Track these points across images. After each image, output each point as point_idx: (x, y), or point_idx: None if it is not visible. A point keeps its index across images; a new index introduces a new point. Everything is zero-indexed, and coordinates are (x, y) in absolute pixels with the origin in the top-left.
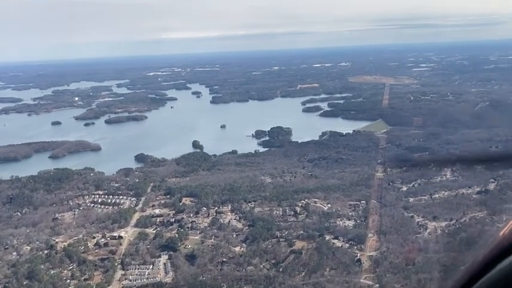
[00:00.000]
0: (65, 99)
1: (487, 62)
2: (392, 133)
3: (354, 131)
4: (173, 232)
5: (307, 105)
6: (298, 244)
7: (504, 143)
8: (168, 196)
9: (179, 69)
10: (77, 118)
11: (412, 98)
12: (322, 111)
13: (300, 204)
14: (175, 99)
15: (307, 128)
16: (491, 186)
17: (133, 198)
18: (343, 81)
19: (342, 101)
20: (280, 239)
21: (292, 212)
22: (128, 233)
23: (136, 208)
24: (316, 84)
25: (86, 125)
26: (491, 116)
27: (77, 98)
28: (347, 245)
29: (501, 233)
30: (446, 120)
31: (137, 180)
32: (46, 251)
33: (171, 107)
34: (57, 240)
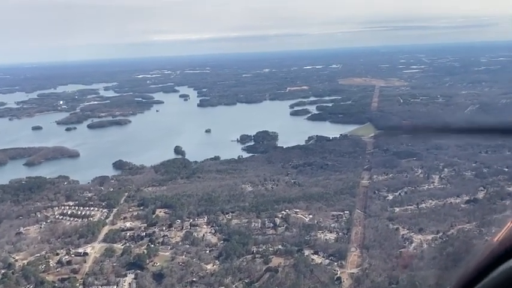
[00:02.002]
0: (49, 103)
1: (477, 64)
2: (380, 137)
3: (341, 135)
4: (142, 248)
5: (296, 108)
6: (275, 261)
7: (494, 147)
8: (141, 207)
9: (169, 72)
10: (58, 123)
11: (401, 101)
12: (310, 114)
13: (280, 216)
14: (162, 102)
15: (294, 132)
16: (481, 195)
17: (105, 210)
18: (333, 84)
19: (330, 104)
20: (256, 255)
21: (272, 224)
22: (95, 249)
23: (107, 221)
24: (305, 87)
25: (68, 129)
26: (481, 119)
27: (61, 102)
28: (327, 261)
29: (496, 239)
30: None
31: (111, 190)
32: (3, 271)
33: (157, 111)
34: (17, 257)
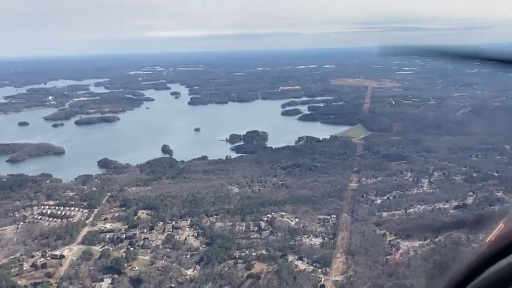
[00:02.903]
0: (38, 98)
1: (470, 66)
2: (371, 139)
3: (331, 136)
4: (122, 251)
5: (287, 108)
6: (258, 267)
7: (485, 151)
8: (123, 208)
9: (161, 69)
10: (46, 118)
11: (393, 102)
12: (301, 114)
13: (266, 219)
14: (153, 99)
15: (284, 132)
16: (470, 200)
17: (86, 210)
18: (325, 84)
19: (322, 105)
20: (239, 260)
21: (256, 228)
22: (72, 252)
23: (87, 222)
24: (298, 86)
25: (55, 126)
26: (472, 122)
27: (50, 97)
28: (311, 267)
29: (488, 239)
30: (427, 126)
31: (94, 189)
32: None
33: (147, 108)
34: None
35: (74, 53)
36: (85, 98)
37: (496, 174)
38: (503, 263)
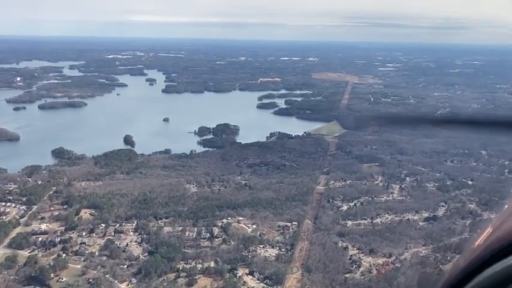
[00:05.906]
0: (5, 79)
1: (452, 66)
2: (345, 138)
3: (304, 133)
4: (52, 257)
5: (264, 101)
6: (201, 282)
7: (460, 156)
8: (65, 206)
9: (141, 54)
10: (8, 101)
11: (372, 100)
12: (277, 108)
13: (220, 224)
14: (126, 85)
15: (256, 126)
16: (441, 212)
17: (24, 207)
18: (306, 77)
19: (299, 99)
20: (181, 274)
21: (208, 235)
22: None
23: (21, 221)
24: (278, 79)
25: (16, 109)
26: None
27: (18, 78)
28: (261, 284)
29: (476, 244)
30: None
31: (39, 183)
32: None
33: (118, 94)
34: None
35: (53, 33)
36: (55, 81)
37: (470, 183)
38: (494, 268)
